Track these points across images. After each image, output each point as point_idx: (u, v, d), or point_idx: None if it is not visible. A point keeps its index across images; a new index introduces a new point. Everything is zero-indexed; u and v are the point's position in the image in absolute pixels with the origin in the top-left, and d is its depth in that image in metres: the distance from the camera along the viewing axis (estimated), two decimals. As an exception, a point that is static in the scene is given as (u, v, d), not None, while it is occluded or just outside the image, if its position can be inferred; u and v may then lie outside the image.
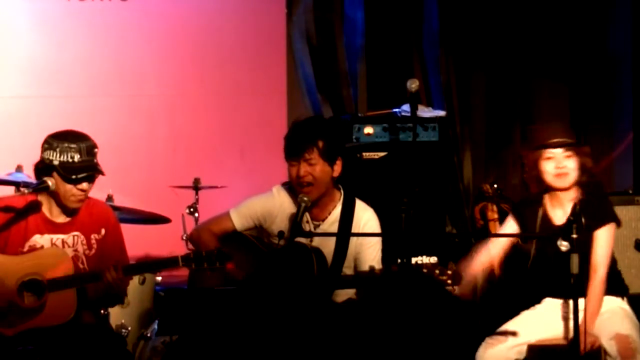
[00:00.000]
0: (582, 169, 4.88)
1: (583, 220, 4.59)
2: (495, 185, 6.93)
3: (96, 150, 4.63)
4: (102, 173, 4.62)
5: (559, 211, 4.91)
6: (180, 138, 7.18)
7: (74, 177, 4.56)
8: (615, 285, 4.93)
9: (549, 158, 4.86)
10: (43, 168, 4.60)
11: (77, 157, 4.56)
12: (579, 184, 4.89)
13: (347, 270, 5.01)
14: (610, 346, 4.76)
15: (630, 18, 7.21)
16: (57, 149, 4.56)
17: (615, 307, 4.88)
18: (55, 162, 4.56)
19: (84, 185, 4.60)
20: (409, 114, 6.31)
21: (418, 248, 6.22)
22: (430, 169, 6.46)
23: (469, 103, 7.44)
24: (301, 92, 7.36)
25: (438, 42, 7.37)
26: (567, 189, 4.89)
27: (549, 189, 4.93)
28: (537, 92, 7.49)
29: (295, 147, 4.94)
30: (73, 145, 4.57)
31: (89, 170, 4.59)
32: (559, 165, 4.85)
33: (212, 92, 7.22)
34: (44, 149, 4.61)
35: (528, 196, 5.05)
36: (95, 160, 4.61)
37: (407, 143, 6.36)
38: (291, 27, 7.35)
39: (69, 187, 4.58)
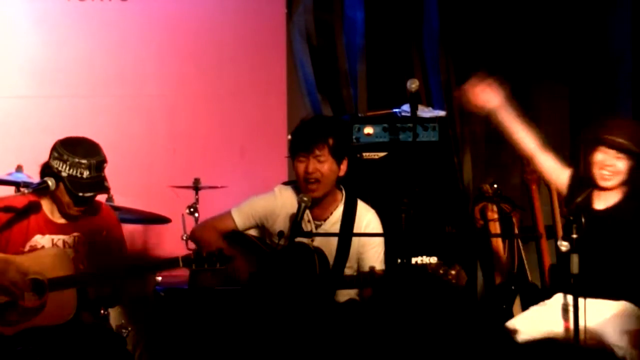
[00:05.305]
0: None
1: None
2: (495, 185, 6.93)
3: (105, 164, 4.62)
4: (108, 190, 4.62)
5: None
6: (180, 138, 7.17)
7: (80, 194, 4.56)
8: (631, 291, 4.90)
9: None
10: (50, 174, 4.58)
11: (86, 174, 4.55)
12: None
13: (350, 270, 5.01)
14: (620, 340, 4.72)
15: (630, 18, 7.20)
16: (67, 162, 4.54)
17: (629, 309, 4.84)
18: (64, 174, 4.54)
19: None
20: (409, 114, 6.31)
21: (418, 248, 6.21)
22: (430, 169, 6.46)
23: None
24: (301, 92, 7.34)
25: (438, 42, 7.36)
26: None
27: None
28: (537, 92, 7.47)
29: (305, 142, 4.92)
30: (84, 161, 4.55)
31: (96, 188, 4.58)
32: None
33: (212, 92, 7.21)
34: (53, 157, 4.58)
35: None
36: (102, 176, 4.60)
37: (407, 143, 6.35)
38: (291, 27, 7.34)
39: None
